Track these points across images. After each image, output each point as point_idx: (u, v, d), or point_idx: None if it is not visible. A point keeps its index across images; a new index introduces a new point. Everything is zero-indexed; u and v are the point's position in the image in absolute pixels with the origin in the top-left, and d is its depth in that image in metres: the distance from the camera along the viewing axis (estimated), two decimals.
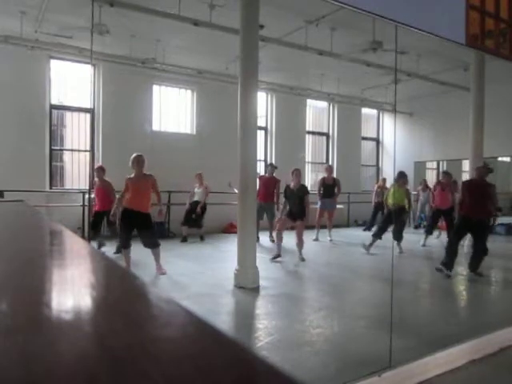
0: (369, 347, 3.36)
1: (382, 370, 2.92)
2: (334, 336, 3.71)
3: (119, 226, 5.53)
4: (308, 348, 3.38)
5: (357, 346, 3.41)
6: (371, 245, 7.35)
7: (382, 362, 2.97)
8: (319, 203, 8.92)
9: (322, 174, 12.45)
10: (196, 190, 8.43)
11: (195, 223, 8.35)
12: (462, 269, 6.01)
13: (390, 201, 7.57)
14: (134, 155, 5.41)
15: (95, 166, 7.11)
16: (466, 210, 5.63)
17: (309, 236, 8.92)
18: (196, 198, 8.38)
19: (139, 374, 0.25)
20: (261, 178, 8.18)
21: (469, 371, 3.19)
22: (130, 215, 5.26)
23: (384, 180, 10.41)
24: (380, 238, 7.33)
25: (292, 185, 6.80)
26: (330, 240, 8.85)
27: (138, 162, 5.33)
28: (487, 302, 5.16)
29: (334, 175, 9.90)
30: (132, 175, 5.40)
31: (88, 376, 0.24)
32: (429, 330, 3.85)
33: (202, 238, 8.46)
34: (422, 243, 8.29)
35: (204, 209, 8.33)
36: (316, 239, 8.86)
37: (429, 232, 8.36)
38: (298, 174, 6.80)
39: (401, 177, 7.54)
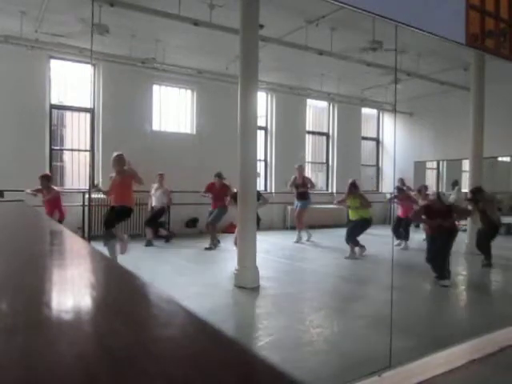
0: (369, 347, 3.36)
1: (381, 370, 2.92)
2: (334, 336, 3.71)
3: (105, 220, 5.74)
4: (308, 348, 3.38)
5: (357, 346, 3.41)
6: (353, 251, 7.12)
7: (382, 362, 2.97)
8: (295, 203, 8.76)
9: (322, 174, 12.51)
10: (153, 192, 7.88)
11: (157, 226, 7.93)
12: (461, 268, 6.01)
13: (352, 217, 7.11)
14: (113, 155, 5.59)
15: (43, 174, 6.40)
16: (432, 230, 5.44)
17: (290, 237, 8.80)
18: (154, 203, 7.84)
19: (139, 373, 0.25)
20: (213, 186, 7.77)
21: (469, 371, 3.19)
22: (114, 210, 5.56)
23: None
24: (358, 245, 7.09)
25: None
26: (307, 240, 8.51)
27: (114, 161, 5.54)
28: (486, 302, 5.16)
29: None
30: (113, 174, 5.65)
31: (88, 376, 0.25)
32: (428, 329, 3.86)
33: (167, 240, 8.01)
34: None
35: (163, 212, 7.93)
36: (296, 241, 8.45)
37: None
38: None
39: (354, 187, 7.10)
